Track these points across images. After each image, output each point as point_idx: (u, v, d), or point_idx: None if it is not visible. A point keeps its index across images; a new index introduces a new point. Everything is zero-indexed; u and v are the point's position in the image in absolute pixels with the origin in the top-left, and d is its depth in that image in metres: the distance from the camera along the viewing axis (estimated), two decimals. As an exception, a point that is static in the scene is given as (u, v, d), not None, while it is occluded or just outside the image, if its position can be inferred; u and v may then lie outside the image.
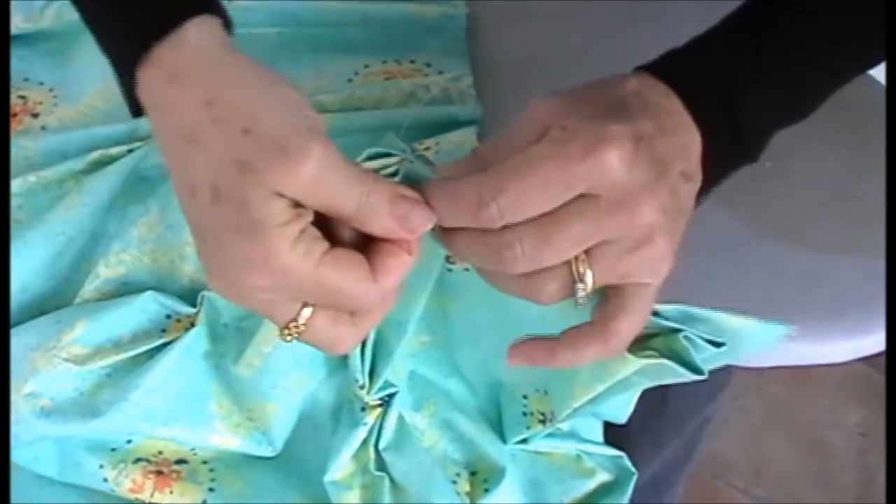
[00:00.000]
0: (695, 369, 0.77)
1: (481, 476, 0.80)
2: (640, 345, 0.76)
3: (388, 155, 0.69)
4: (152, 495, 0.79)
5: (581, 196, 0.62)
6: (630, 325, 0.67)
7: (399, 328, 0.77)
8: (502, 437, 0.83)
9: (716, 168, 0.69)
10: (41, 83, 0.91)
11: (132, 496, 0.80)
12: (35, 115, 0.89)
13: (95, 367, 0.80)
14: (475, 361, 0.84)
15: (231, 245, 0.61)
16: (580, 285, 0.64)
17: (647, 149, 0.63)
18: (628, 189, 0.62)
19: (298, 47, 0.93)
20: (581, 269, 0.64)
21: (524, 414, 0.82)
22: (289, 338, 0.64)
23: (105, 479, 0.80)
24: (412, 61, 0.91)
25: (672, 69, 0.68)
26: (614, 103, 0.65)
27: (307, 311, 0.63)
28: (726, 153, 0.70)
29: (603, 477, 0.84)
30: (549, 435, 0.82)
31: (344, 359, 0.81)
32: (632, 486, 0.83)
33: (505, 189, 0.62)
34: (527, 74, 0.96)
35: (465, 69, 0.91)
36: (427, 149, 0.83)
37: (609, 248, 0.64)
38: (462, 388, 0.84)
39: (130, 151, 0.86)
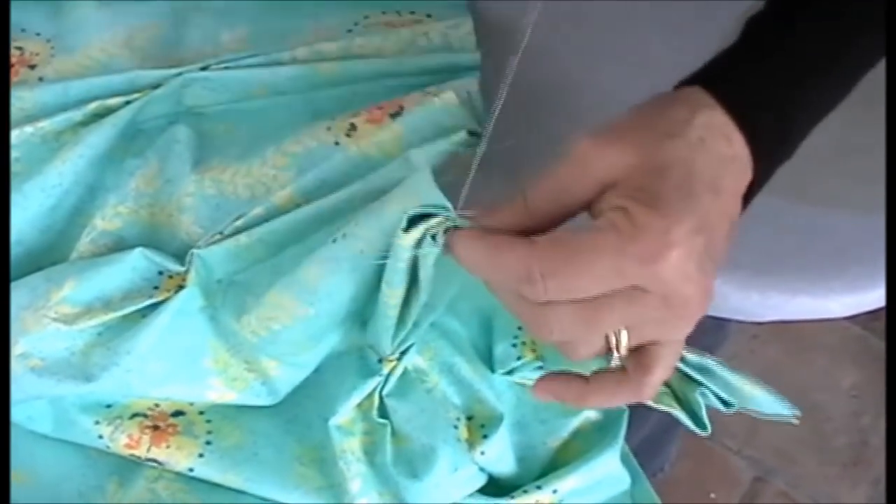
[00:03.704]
0: (701, 424, 0.79)
1: (478, 421, 0.80)
2: None
3: (429, 215, 0.67)
4: (148, 450, 0.79)
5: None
6: (663, 375, 0.67)
7: (427, 309, 0.76)
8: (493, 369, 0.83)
9: (760, 184, 0.68)
10: (38, 34, 0.90)
11: (128, 452, 0.79)
12: (32, 67, 0.89)
13: (86, 327, 0.79)
14: (469, 302, 0.84)
15: None
16: (615, 353, 0.65)
17: (705, 236, 0.61)
18: (677, 288, 0.61)
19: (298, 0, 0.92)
20: (617, 337, 0.64)
21: (514, 346, 0.82)
22: None
23: (100, 436, 0.80)
24: (412, 12, 0.91)
25: (736, 99, 0.66)
26: (682, 169, 0.62)
27: None
28: (773, 171, 0.69)
29: (590, 414, 0.83)
30: (539, 368, 0.82)
31: (360, 321, 0.81)
32: (624, 424, 0.83)
33: (556, 273, 0.60)
34: (525, 28, 0.96)
35: (464, 17, 0.90)
36: (427, 94, 0.82)
37: (648, 324, 0.64)
38: (457, 325, 0.84)
39: (128, 103, 0.86)
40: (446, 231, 0.66)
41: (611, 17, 0.95)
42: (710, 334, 1.21)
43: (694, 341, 0.94)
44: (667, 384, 0.80)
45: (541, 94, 0.92)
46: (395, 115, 0.81)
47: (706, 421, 0.79)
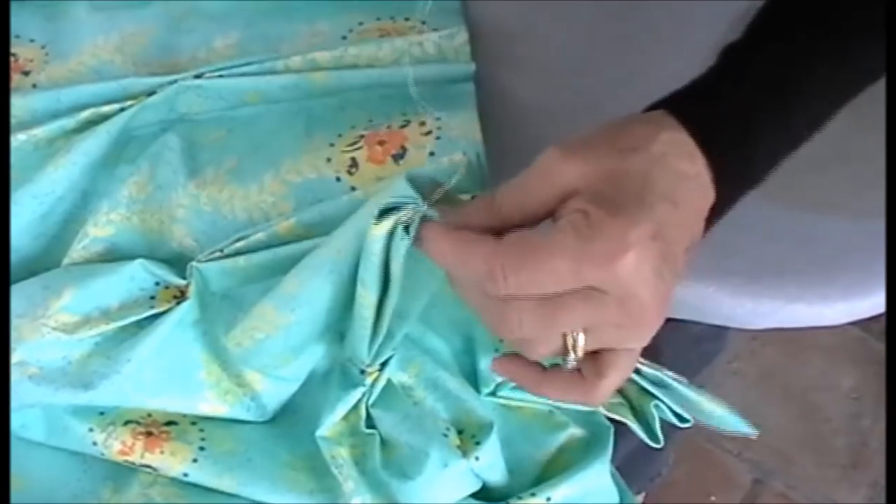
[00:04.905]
0: (653, 436, 0.81)
1: (469, 432, 0.80)
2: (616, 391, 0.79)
3: (398, 207, 0.68)
4: (142, 456, 0.79)
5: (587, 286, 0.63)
6: (616, 382, 0.69)
7: (400, 318, 0.76)
8: (477, 389, 0.83)
9: (722, 211, 0.70)
10: (32, 40, 0.90)
11: (122, 458, 0.79)
12: (26, 73, 0.89)
13: (84, 337, 0.79)
14: (449, 319, 0.84)
15: None
16: (571, 355, 0.66)
17: (662, 243, 0.63)
18: (634, 291, 0.62)
19: (292, 4, 0.92)
20: (574, 338, 0.65)
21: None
22: None
23: (94, 443, 0.79)
24: (407, 19, 0.91)
25: (700, 124, 0.67)
26: (638, 180, 0.64)
27: None
28: (739, 195, 0.71)
29: (575, 431, 0.84)
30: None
31: (339, 334, 0.81)
32: (611, 439, 0.83)
33: (517, 269, 0.62)
34: (520, 35, 0.96)
35: (459, 26, 0.90)
36: (429, 132, 0.83)
37: (605, 327, 0.65)
38: (440, 344, 0.84)
39: (122, 110, 0.86)
40: (418, 222, 0.68)
41: (604, 26, 0.95)
42: (710, 342, 1.21)
43: (693, 349, 0.94)
44: (625, 396, 0.82)
45: (531, 107, 0.92)
46: (397, 157, 0.82)
47: (659, 434, 0.80)
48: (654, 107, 0.69)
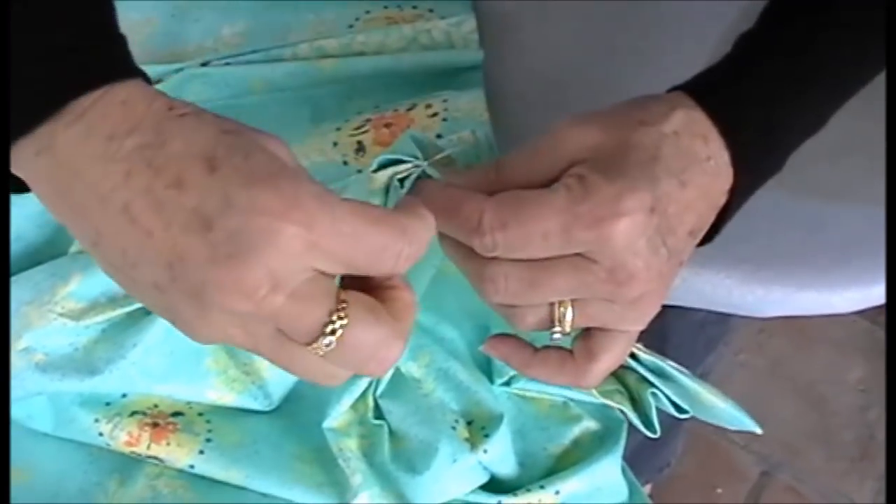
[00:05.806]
0: (650, 426, 0.80)
1: (478, 424, 0.80)
2: (614, 377, 0.80)
3: (401, 161, 0.68)
4: (149, 447, 0.79)
5: (577, 253, 0.62)
6: (608, 365, 0.68)
7: None
8: (491, 379, 0.83)
9: (744, 195, 0.69)
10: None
11: (128, 449, 0.79)
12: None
13: (91, 323, 0.79)
14: (464, 308, 0.84)
15: (248, 200, 0.53)
16: (557, 327, 0.65)
17: (659, 218, 0.62)
18: (625, 261, 0.62)
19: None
20: (562, 311, 0.65)
21: None
22: (326, 345, 0.56)
23: (100, 434, 0.79)
24: (414, 7, 0.91)
25: (719, 104, 0.67)
26: (647, 152, 0.63)
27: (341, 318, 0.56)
28: (758, 183, 0.70)
29: (589, 424, 0.83)
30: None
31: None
32: (624, 434, 0.83)
33: (506, 226, 0.61)
34: (527, 21, 0.95)
35: (467, 14, 0.90)
36: (435, 114, 0.82)
37: (594, 301, 0.64)
38: (454, 333, 0.84)
39: (128, 98, 0.86)
40: (416, 179, 0.68)
41: (611, 12, 0.95)
42: (715, 326, 1.21)
43: (699, 334, 0.93)
44: (622, 383, 0.82)
45: (540, 87, 0.92)
46: None
47: (656, 423, 0.80)
48: (671, 90, 0.69)
